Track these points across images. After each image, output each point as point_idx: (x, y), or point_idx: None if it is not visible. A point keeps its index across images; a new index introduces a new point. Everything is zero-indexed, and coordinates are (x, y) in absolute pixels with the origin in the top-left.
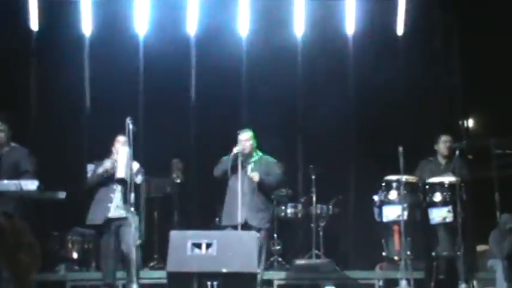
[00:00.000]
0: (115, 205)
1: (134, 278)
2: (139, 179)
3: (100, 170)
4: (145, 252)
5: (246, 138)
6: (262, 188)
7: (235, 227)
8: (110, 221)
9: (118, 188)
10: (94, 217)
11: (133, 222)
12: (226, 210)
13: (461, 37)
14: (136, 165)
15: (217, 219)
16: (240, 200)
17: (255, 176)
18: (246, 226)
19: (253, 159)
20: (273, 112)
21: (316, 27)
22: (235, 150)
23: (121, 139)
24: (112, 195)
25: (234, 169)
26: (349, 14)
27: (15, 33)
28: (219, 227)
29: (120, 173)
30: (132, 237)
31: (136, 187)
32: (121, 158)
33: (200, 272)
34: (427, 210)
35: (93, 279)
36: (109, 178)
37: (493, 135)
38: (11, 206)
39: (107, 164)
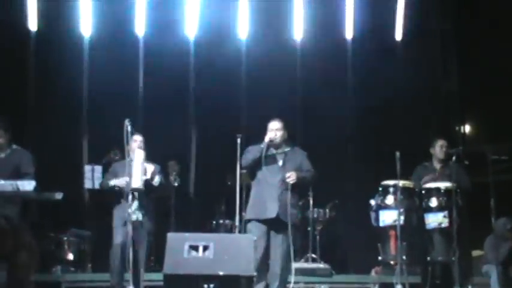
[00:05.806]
0: (134, 209)
1: (141, 281)
2: (156, 181)
3: (112, 182)
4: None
5: (277, 127)
6: (297, 185)
7: (264, 221)
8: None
9: (135, 194)
10: (117, 222)
11: (147, 226)
12: (255, 203)
13: (458, 43)
14: (151, 168)
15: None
16: (271, 194)
17: (292, 176)
18: (277, 221)
19: (284, 150)
20: (272, 114)
21: (315, 30)
22: (266, 139)
23: (138, 138)
24: (130, 200)
25: (263, 160)
26: (348, 18)
27: (13, 33)
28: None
29: (135, 183)
30: (144, 241)
31: (153, 189)
32: (136, 165)
33: (197, 274)
34: (423, 215)
35: (89, 281)
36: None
37: (489, 141)
38: (9, 208)
39: (121, 181)
